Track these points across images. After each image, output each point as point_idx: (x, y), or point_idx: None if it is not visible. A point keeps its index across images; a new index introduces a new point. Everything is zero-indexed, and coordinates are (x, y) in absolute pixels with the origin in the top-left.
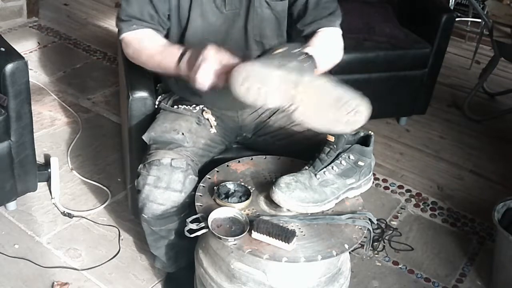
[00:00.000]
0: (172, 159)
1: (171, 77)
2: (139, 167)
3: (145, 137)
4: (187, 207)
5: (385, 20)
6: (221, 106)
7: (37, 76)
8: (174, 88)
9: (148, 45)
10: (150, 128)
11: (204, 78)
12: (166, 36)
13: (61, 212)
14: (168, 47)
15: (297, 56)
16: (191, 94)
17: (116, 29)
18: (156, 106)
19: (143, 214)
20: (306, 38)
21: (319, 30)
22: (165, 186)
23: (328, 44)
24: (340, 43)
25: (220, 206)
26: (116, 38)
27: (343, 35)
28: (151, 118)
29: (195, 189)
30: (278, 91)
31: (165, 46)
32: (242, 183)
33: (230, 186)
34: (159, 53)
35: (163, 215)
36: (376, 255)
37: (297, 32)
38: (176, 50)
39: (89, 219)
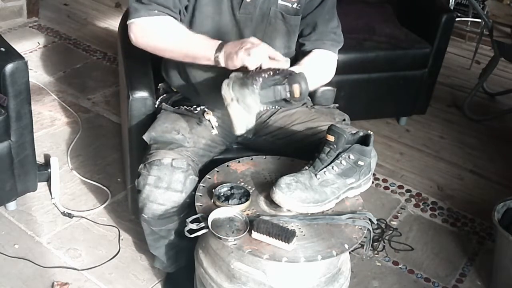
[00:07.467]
0: (173, 159)
1: (177, 75)
2: (140, 167)
3: (145, 137)
4: (187, 207)
5: (385, 20)
6: (223, 107)
7: (37, 76)
8: (177, 85)
9: (174, 32)
10: (151, 128)
11: (256, 58)
12: None
13: (61, 212)
14: (198, 35)
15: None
16: (195, 93)
17: (115, 28)
18: (156, 106)
19: (143, 214)
20: (303, 54)
21: (317, 50)
22: (166, 186)
23: (319, 66)
24: (333, 68)
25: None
26: (118, 34)
27: (344, 35)
28: (151, 118)
29: (195, 189)
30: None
31: (194, 34)
32: (241, 184)
33: (229, 187)
34: (189, 41)
35: (163, 215)
36: (376, 255)
37: (298, 45)
38: (210, 40)
39: (89, 219)
